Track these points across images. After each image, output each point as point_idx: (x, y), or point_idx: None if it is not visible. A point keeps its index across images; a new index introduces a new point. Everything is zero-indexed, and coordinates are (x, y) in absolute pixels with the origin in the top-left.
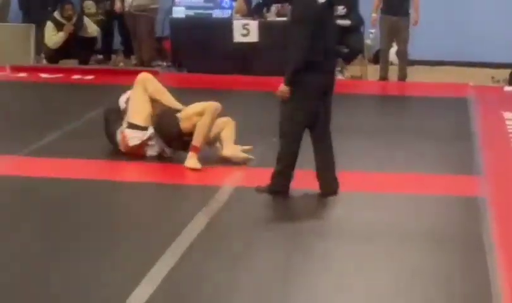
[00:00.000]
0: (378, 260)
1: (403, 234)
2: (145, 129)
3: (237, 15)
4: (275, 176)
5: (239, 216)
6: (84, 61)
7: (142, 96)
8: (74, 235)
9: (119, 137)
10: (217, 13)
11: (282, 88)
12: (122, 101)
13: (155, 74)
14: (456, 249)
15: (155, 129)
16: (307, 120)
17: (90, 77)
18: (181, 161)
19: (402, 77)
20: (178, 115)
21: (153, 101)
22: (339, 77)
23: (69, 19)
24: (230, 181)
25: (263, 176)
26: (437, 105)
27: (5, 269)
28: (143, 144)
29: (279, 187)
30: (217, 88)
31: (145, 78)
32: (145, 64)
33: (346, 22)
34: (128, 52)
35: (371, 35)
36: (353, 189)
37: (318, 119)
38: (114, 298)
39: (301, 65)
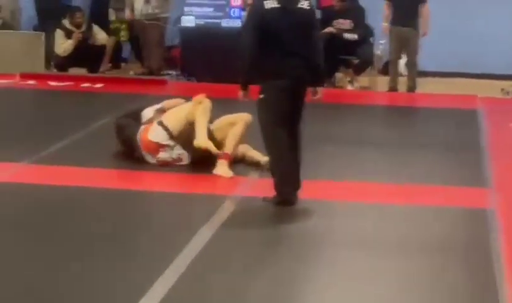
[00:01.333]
0: (386, 271)
1: (412, 245)
2: (171, 136)
3: None
4: (277, 187)
5: (247, 226)
6: (93, 69)
7: (187, 112)
8: (81, 244)
9: (140, 133)
10: (226, 23)
11: (239, 93)
12: (149, 111)
13: (164, 83)
14: (463, 260)
15: (185, 141)
16: (278, 120)
17: (99, 85)
18: (189, 170)
19: (412, 88)
20: (210, 126)
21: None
22: (348, 87)
23: (78, 26)
24: (237, 191)
25: (272, 186)
26: (446, 116)
27: (13, 279)
28: (160, 145)
29: (284, 196)
30: (225, 97)
31: (202, 102)
32: (154, 73)
33: (353, 36)
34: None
35: (380, 46)
36: (361, 199)
37: (288, 120)
38: None
39: (247, 70)
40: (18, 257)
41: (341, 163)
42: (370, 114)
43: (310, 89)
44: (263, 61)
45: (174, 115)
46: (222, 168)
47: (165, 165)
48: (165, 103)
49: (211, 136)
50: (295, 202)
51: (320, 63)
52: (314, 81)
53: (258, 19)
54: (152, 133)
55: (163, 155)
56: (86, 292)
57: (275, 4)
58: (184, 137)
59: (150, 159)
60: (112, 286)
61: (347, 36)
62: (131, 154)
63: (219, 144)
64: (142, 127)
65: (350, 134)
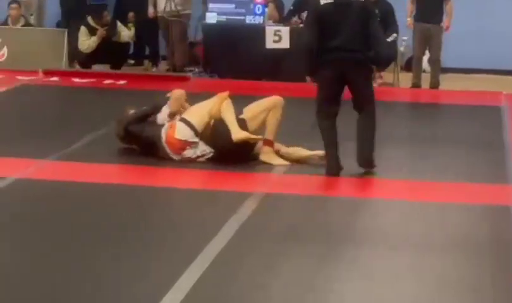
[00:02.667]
0: (409, 269)
1: (435, 243)
2: (196, 133)
3: (270, 21)
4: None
5: (270, 223)
6: (116, 66)
7: (210, 107)
8: (104, 241)
9: (165, 130)
10: (249, 19)
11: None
12: (162, 116)
13: (187, 79)
14: (487, 258)
15: (210, 138)
16: (326, 102)
17: (122, 82)
18: (212, 167)
19: (435, 85)
20: (242, 117)
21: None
22: None
23: (102, 24)
24: (261, 187)
25: (295, 182)
26: (470, 113)
27: (38, 274)
28: (187, 143)
29: (327, 169)
30: (248, 93)
31: (225, 99)
32: (177, 69)
33: (393, 36)
34: (155, 58)
35: (404, 43)
36: (384, 196)
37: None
38: (145, 301)
39: (310, 63)
40: (42, 251)
41: None
42: (392, 111)
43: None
44: (319, 53)
45: (197, 111)
46: (270, 156)
47: (189, 162)
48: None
49: (245, 126)
50: (338, 174)
51: (380, 50)
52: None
53: (315, 15)
54: (178, 131)
55: (188, 152)
56: (112, 285)
57: (329, 0)
58: (207, 133)
59: (175, 157)
60: (136, 282)
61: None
62: (151, 153)
63: (254, 133)
64: (166, 125)
65: None
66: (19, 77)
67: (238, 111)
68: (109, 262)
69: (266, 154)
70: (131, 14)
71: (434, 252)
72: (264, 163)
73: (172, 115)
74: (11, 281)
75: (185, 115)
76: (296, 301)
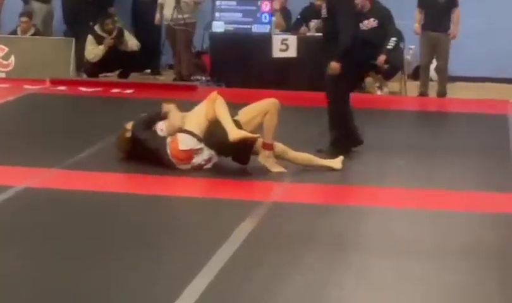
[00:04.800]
0: (418, 277)
1: (444, 251)
2: (199, 139)
3: (277, 30)
4: (340, 139)
5: (278, 231)
6: (124, 75)
7: (205, 112)
8: (113, 249)
9: (168, 145)
10: (256, 28)
11: (335, 65)
12: (160, 128)
13: (194, 88)
14: (496, 266)
15: (207, 139)
16: (349, 90)
17: (129, 91)
18: (220, 175)
19: (442, 93)
20: (236, 118)
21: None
22: (377, 93)
23: (109, 33)
24: (269, 196)
25: (303, 191)
26: (477, 121)
27: (43, 283)
28: (193, 151)
29: (344, 149)
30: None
31: (216, 99)
32: (184, 78)
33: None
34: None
35: (410, 51)
36: (391, 205)
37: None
38: None
39: (350, 46)
40: (51, 260)
41: (371, 169)
42: (399, 120)
43: None
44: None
45: (194, 119)
46: (269, 162)
47: (199, 169)
48: (169, 114)
49: (240, 128)
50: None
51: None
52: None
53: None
54: (182, 143)
55: (196, 160)
56: (122, 294)
57: None
58: (207, 137)
59: (184, 167)
60: (145, 290)
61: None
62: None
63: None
64: (168, 140)
65: (379, 140)
66: (27, 86)
67: (233, 114)
68: (117, 270)
69: (265, 158)
70: (112, 9)
71: (443, 261)
72: (263, 165)
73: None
74: (19, 290)
75: (185, 126)
76: None
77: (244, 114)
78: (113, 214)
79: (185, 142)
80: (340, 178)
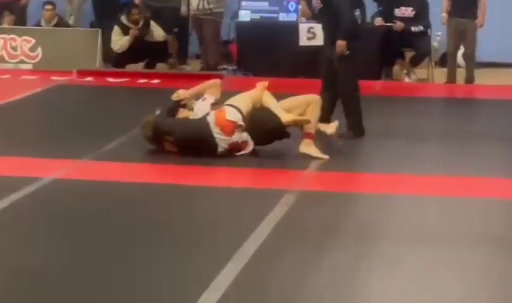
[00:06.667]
0: (448, 266)
1: (472, 239)
2: (243, 118)
3: (303, 18)
4: (357, 124)
5: (306, 220)
6: (150, 65)
7: (252, 96)
8: (142, 240)
9: (212, 117)
10: (282, 17)
11: (341, 43)
12: (203, 107)
13: (221, 77)
14: None
15: (248, 123)
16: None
17: (155, 81)
18: (246, 165)
19: (470, 80)
20: None
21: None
22: (405, 80)
23: (135, 23)
24: (297, 185)
25: (330, 179)
26: (505, 107)
27: (73, 274)
28: (236, 125)
29: (361, 133)
30: (282, 91)
31: (266, 87)
32: (210, 68)
33: (419, 28)
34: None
35: (438, 38)
36: (421, 192)
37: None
38: (182, 301)
39: (352, 28)
40: (80, 251)
41: (399, 156)
42: (427, 107)
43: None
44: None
45: (241, 98)
46: (310, 148)
47: (235, 150)
48: (206, 92)
49: (279, 120)
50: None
51: None
52: None
53: None
54: (229, 114)
55: (236, 136)
56: (151, 284)
57: None
58: (248, 121)
59: (224, 143)
60: (174, 281)
61: (414, 29)
62: (191, 148)
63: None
64: (212, 113)
65: (408, 127)
66: (54, 78)
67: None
68: (146, 260)
69: (307, 146)
70: (183, 9)
71: (472, 248)
72: (303, 154)
73: (215, 104)
74: (49, 281)
75: (230, 102)
76: (334, 299)
77: (285, 102)
78: (141, 204)
79: (232, 114)
80: (366, 166)
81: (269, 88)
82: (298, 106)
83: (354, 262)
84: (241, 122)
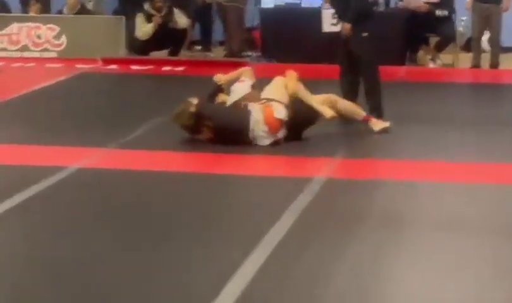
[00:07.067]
0: (473, 255)
1: (498, 227)
2: (287, 112)
3: (327, 5)
4: (380, 105)
5: (332, 207)
6: (174, 53)
7: (289, 90)
8: (166, 227)
9: (258, 112)
10: (306, 3)
11: (346, 26)
12: (241, 87)
13: (245, 65)
14: None
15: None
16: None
17: (180, 68)
18: (271, 153)
19: (495, 64)
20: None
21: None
22: (430, 65)
23: (159, 10)
24: (322, 172)
25: (354, 167)
26: None
27: (101, 263)
28: (283, 122)
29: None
30: (306, 77)
31: (296, 77)
32: (234, 55)
33: (444, 12)
34: (207, 43)
35: (462, 23)
36: (444, 179)
37: None
38: (209, 290)
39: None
40: (108, 241)
41: (425, 143)
42: (452, 92)
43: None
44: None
45: (278, 91)
46: (378, 124)
47: (275, 145)
48: (244, 77)
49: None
50: None
51: None
52: None
53: None
54: (277, 111)
55: (280, 133)
56: (178, 270)
57: None
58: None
59: (267, 141)
60: (199, 268)
61: (439, 13)
62: (229, 139)
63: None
64: (258, 107)
65: (433, 113)
66: (79, 66)
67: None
68: (174, 248)
69: (375, 125)
70: None
71: (498, 237)
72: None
73: (253, 86)
74: (72, 270)
75: (270, 95)
76: (360, 286)
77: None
78: (169, 193)
79: (280, 112)
80: (391, 153)
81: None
82: (324, 101)
83: (378, 250)
84: (286, 119)
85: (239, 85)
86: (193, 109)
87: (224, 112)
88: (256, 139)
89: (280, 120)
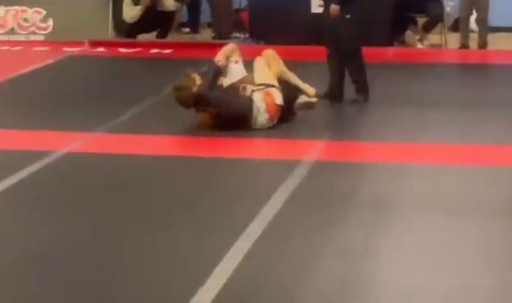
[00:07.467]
0: (463, 237)
1: (487, 208)
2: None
3: None
4: (365, 86)
5: (320, 191)
6: (162, 35)
7: (274, 73)
8: (155, 211)
9: (260, 100)
10: None
11: (334, 7)
12: (238, 69)
13: None
14: None
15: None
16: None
17: (168, 51)
18: (259, 136)
19: (483, 45)
20: None
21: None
22: (418, 46)
23: None
24: (310, 155)
25: (343, 149)
26: None
27: (91, 248)
28: (281, 108)
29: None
30: (294, 59)
31: (277, 57)
32: (222, 37)
33: None
34: (195, 25)
35: (450, 3)
36: (435, 161)
37: None
38: (197, 272)
39: None
40: (96, 226)
41: (413, 124)
42: (440, 73)
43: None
44: None
45: (267, 75)
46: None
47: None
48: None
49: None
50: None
51: None
52: None
53: None
54: (277, 97)
55: (277, 119)
56: (167, 254)
57: None
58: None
59: (264, 127)
60: (188, 251)
61: None
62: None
63: None
64: (259, 94)
65: (421, 94)
66: (66, 49)
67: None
68: (164, 229)
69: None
70: None
71: (487, 218)
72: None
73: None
74: (61, 257)
75: (264, 80)
76: (349, 268)
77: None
78: (157, 177)
79: (279, 98)
80: (379, 135)
81: (282, 56)
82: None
83: (367, 231)
84: (283, 104)
85: (236, 66)
86: (195, 89)
87: (227, 101)
88: (255, 126)
89: (280, 106)
